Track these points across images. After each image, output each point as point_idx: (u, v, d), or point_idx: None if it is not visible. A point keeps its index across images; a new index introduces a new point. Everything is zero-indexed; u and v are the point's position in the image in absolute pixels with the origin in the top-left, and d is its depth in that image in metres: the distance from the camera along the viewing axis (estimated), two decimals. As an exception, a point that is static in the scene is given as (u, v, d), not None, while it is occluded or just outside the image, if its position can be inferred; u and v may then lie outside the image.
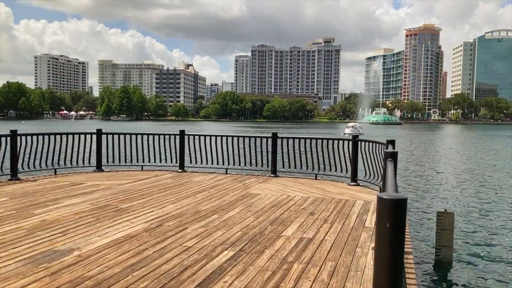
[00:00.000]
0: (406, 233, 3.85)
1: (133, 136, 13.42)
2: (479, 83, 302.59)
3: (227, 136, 13.22)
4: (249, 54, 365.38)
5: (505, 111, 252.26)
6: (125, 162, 13.62)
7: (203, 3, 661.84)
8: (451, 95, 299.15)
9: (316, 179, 12.08)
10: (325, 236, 6.41)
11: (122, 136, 13.38)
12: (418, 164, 32.31)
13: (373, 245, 5.95)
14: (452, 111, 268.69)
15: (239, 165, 13.25)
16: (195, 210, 8.03)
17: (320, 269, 5.04)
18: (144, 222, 7.01)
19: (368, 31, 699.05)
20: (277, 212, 7.94)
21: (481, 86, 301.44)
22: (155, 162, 13.55)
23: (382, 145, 9.18)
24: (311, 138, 12.42)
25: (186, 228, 6.73)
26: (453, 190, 21.07)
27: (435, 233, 9.68)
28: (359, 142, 10.88)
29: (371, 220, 7.48)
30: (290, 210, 8.18)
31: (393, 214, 2.30)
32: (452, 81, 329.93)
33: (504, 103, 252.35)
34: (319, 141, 12.14)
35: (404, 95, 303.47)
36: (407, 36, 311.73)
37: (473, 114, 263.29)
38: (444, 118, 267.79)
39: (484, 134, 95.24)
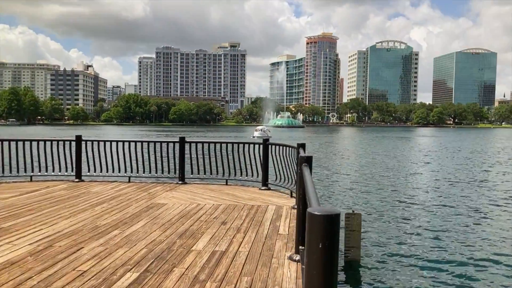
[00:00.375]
0: None
1: (20, 143, 11.83)
2: (372, 89, 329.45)
3: (129, 141, 12.28)
4: (154, 56, 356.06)
5: (393, 115, 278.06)
6: (10, 172, 11.97)
7: (104, 2, 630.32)
8: (348, 99, 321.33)
9: (227, 184, 11.69)
10: (239, 248, 6.01)
11: (6, 143, 11.71)
12: (321, 166, 33.66)
13: (288, 254, 5.70)
14: (348, 115, 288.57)
15: (144, 172, 12.35)
16: (93, 225, 7.13)
17: (235, 287, 4.61)
18: (30, 244, 5.99)
19: (272, 38, 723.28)
20: (186, 224, 7.37)
21: (373, 92, 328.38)
22: (47, 171, 12.09)
23: (293, 149, 9.07)
24: (221, 142, 12.01)
25: (82, 248, 5.87)
26: (357, 190, 22.15)
27: (344, 234, 9.83)
28: (270, 146, 10.72)
29: (284, 226, 7.27)
30: (200, 220, 7.65)
31: (326, 232, 2.06)
32: (348, 87, 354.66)
33: (393, 107, 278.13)
34: (229, 145, 11.77)
35: (306, 100, 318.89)
36: (307, 43, 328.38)
37: (366, 117, 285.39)
38: (342, 121, 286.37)
39: (377, 136, 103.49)
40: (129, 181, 11.93)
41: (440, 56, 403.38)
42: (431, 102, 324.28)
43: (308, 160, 5.14)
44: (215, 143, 11.98)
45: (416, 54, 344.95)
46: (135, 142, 12.28)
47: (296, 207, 8.37)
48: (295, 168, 8.98)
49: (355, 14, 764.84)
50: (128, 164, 12.11)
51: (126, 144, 12.15)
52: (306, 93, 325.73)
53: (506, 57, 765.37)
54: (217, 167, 11.83)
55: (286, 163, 9.82)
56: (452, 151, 54.03)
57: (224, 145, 11.88)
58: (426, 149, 57.44)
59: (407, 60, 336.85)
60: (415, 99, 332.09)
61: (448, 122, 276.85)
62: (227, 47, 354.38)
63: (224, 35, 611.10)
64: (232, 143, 11.73)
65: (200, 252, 5.76)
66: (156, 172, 12.30)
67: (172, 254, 5.68)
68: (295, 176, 9.11)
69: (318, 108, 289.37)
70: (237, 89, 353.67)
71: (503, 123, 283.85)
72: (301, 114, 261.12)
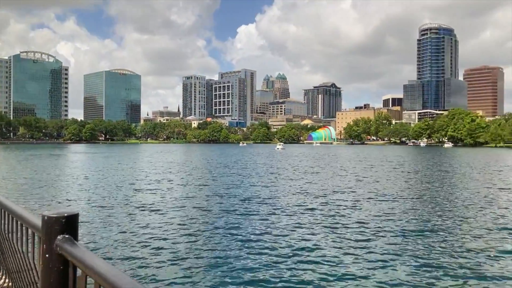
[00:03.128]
0: None
1: None
2: (17, 102, 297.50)
3: None
4: None
5: (44, 131, 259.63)
6: None
7: None
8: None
9: None
10: None
11: None
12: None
13: None
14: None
15: None
16: None
17: None
18: None
19: None
20: None
21: (19, 105, 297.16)
22: None
23: None
24: None
25: None
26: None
27: None
28: None
29: None
30: None
31: None
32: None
33: (42, 123, 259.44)
34: None
35: None
36: None
37: (12, 134, 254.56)
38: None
39: (28, 155, 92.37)
40: None
41: (90, 73, 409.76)
42: (83, 118, 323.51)
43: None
44: None
45: (66, 69, 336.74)
46: None
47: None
48: None
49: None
50: None
51: None
52: None
53: (148, 80, 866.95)
54: None
55: None
56: (116, 167, 53.92)
57: None
58: (82, 166, 55.08)
59: (56, 74, 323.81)
60: (66, 115, 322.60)
61: (100, 138, 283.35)
62: None
63: None
64: None
65: None
66: None
67: None
68: None
69: None
70: None
71: (149, 139, 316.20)
72: None
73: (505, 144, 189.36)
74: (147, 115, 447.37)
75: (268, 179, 38.91)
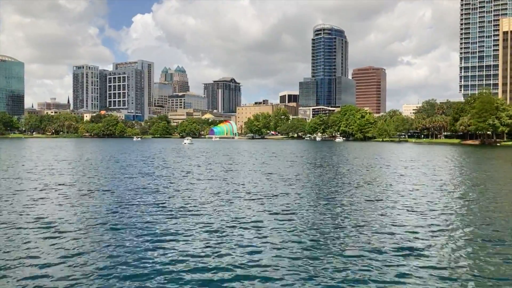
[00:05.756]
0: None
1: None
2: None
3: None
4: None
5: None
6: None
7: None
8: None
9: None
10: None
11: None
12: None
13: None
14: None
15: None
16: None
17: None
18: None
19: None
20: None
21: None
22: None
23: None
24: None
25: None
26: None
27: None
28: None
29: None
30: None
31: None
32: None
33: None
34: None
35: None
36: None
37: None
38: None
39: None
40: None
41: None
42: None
43: None
44: None
45: None
46: None
47: None
48: None
49: None
50: None
51: None
52: None
53: (32, 68, 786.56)
54: None
55: None
56: None
57: None
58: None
59: None
60: None
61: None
62: None
63: None
64: None
65: None
66: None
67: None
68: None
69: None
70: None
71: (34, 133, 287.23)
72: None
73: (390, 139, 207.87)
74: (32, 107, 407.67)
75: (184, 181, 36.27)
